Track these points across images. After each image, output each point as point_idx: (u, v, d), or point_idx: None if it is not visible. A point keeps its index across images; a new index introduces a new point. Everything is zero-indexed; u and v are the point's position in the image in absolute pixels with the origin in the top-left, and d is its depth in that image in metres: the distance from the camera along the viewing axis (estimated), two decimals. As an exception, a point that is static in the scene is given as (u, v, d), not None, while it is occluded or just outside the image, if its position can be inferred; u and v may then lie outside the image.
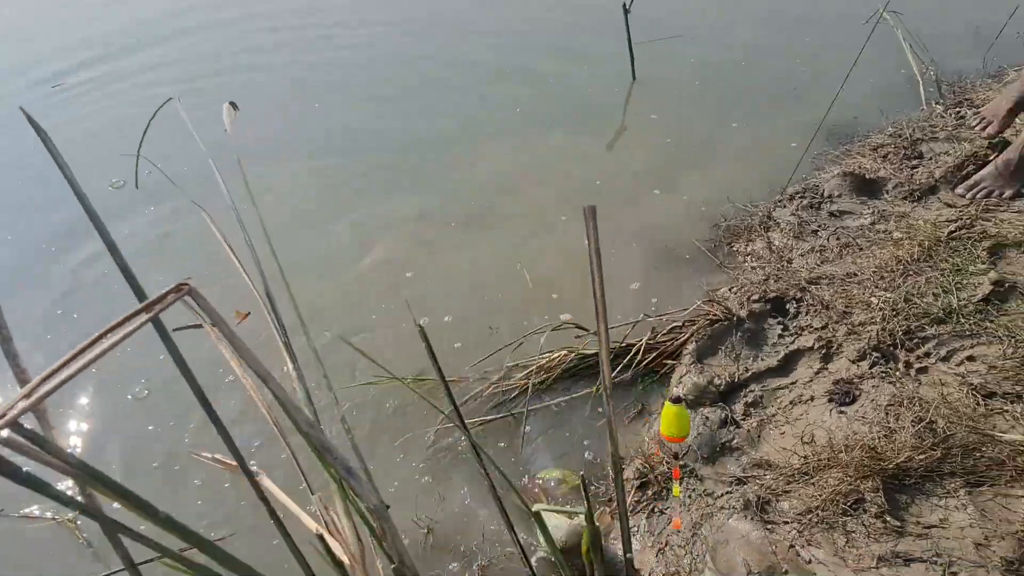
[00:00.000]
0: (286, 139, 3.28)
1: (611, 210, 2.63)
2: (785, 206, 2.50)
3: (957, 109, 2.88)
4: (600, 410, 1.97)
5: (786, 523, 1.54)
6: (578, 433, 1.92)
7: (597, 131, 3.11)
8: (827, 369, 1.87)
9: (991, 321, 1.76)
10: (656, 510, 1.69)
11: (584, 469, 1.83)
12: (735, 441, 1.78)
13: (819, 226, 2.36)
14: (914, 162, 2.55)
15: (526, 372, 2.06)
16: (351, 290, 2.42)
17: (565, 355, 2.06)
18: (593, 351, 2.06)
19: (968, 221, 2.08)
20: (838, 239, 2.27)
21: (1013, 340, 1.68)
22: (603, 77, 3.49)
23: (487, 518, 1.74)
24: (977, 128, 2.52)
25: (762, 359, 1.97)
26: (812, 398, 1.81)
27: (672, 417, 1.41)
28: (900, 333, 1.82)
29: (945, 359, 1.75)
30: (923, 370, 1.75)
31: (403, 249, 2.57)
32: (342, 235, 2.68)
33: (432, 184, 2.90)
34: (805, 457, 1.65)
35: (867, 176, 2.51)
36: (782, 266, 2.24)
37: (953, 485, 1.47)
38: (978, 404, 1.60)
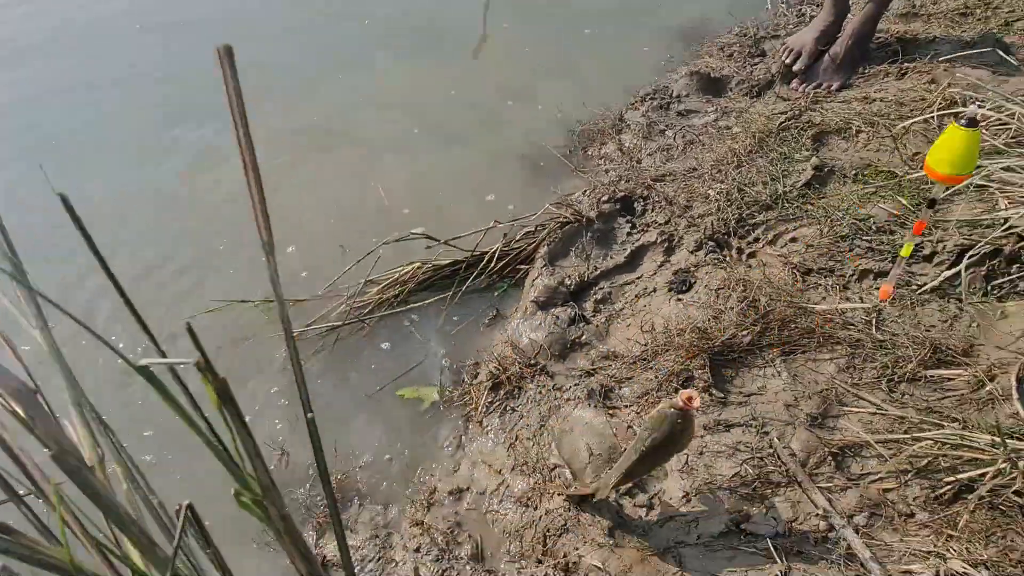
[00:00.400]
0: (112, 60, 2.97)
1: (465, 123, 2.57)
2: (637, 108, 2.53)
3: (799, 7, 2.97)
4: (456, 317, 1.97)
5: (627, 407, 1.61)
6: (433, 342, 1.91)
7: (450, 43, 3.00)
8: (669, 261, 1.94)
9: (811, 204, 1.86)
10: (509, 408, 1.72)
11: (440, 375, 1.84)
12: (584, 337, 1.83)
13: (667, 125, 2.40)
14: (756, 60, 2.62)
15: (380, 287, 2.02)
16: (191, 226, 2.26)
17: (418, 267, 2.03)
18: (447, 261, 2.04)
19: (797, 112, 2.17)
20: (684, 137, 2.33)
21: (828, 220, 1.79)
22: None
23: (342, 435, 1.73)
24: (787, 60, 2.42)
25: (611, 257, 2.02)
26: (655, 290, 1.88)
27: (961, 145, 1.03)
28: (733, 221, 1.90)
29: (772, 242, 1.85)
30: (752, 254, 1.85)
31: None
32: (175, 165, 2.49)
33: (276, 108, 2.71)
34: (645, 345, 1.72)
35: (712, 75, 2.57)
36: (632, 166, 2.27)
37: (771, 355, 1.58)
38: (796, 281, 1.71)
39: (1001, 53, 1.92)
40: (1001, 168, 1.69)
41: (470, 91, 2.71)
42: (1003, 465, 1.19)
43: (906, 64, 2.27)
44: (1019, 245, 1.54)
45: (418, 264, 2.03)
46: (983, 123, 1.85)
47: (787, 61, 2.40)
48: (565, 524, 1.41)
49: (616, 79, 2.71)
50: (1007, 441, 1.19)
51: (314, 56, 2.97)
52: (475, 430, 1.71)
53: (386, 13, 3.18)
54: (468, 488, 1.59)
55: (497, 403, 1.74)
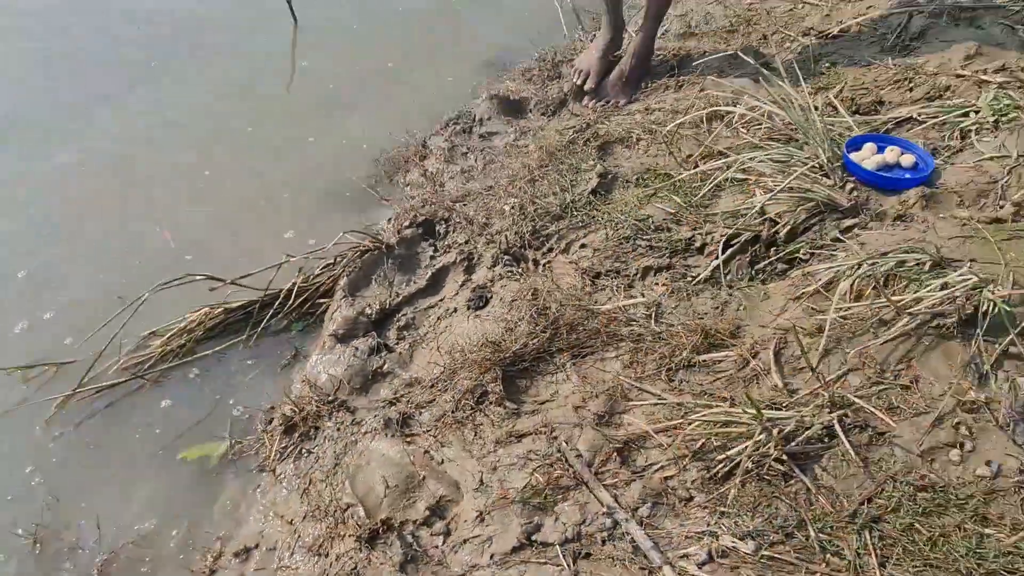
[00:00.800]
0: None
1: (263, 159, 2.46)
2: (440, 134, 2.53)
3: (592, 34, 3.12)
4: (250, 362, 1.83)
5: (426, 432, 1.54)
6: (223, 392, 1.76)
7: (253, 80, 2.88)
8: (470, 279, 1.91)
9: (597, 210, 1.91)
10: (304, 451, 1.60)
11: (231, 426, 1.69)
12: (387, 366, 1.76)
13: (469, 148, 2.42)
14: (553, 82, 2.71)
15: (165, 338, 1.84)
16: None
17: (206, 313, 1.88)
18: (240, 302, 1.90)
19: (585, 125, 2.25)
20: (485, 158, 2.34)
21: (613, 223, 1.84)
22: (262, 23, 3.24)
23: (115, 508, 1.53)
24: (577, 81, 2.55)
25: (414, 282, 1.96)
26: (456, 309, 1.84)
27: None
28: (528, 234, 1.91)
29: (564, 251, 1.87)
30: (547, 264, 1.86)
31: (13, 234, 2.16)
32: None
33: (52, 146, 2.47)
34: (444, 366, 1.66)
35: (512, 97, 2.63)
36: (435, 190, 2.25)
37: (562, 360, 1.57)
38: (586, 285, 1.73)
39: (756, 66, 2.09)
40: (758, 161, 1.81)
41: (270, 128, 2.60)
42: (760, 436, 1.22)
43: (682, 77, 2.43)
44: (773, 230, 1.64)
45: (206, 309, 1.88)
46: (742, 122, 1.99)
47: (578, 82, 2.50)
48: (356, 567, 1.31)
49: (421, 109, 2.70)
50: (762, 411, 1.23)
51: (96, 87, 2.74)
52: (268, 480, 1.57)
53: (183, 48, 3.02)
54: (257, 545, 1.45)
55: (292, 447, 1.61)
